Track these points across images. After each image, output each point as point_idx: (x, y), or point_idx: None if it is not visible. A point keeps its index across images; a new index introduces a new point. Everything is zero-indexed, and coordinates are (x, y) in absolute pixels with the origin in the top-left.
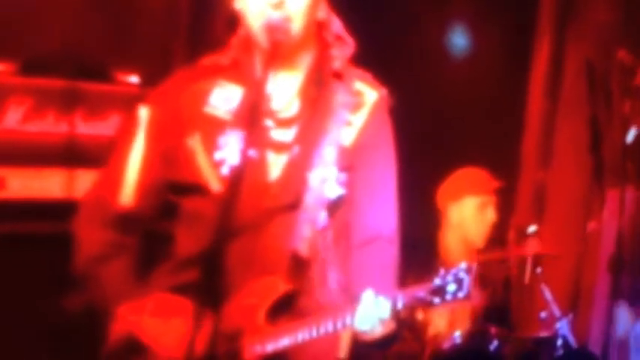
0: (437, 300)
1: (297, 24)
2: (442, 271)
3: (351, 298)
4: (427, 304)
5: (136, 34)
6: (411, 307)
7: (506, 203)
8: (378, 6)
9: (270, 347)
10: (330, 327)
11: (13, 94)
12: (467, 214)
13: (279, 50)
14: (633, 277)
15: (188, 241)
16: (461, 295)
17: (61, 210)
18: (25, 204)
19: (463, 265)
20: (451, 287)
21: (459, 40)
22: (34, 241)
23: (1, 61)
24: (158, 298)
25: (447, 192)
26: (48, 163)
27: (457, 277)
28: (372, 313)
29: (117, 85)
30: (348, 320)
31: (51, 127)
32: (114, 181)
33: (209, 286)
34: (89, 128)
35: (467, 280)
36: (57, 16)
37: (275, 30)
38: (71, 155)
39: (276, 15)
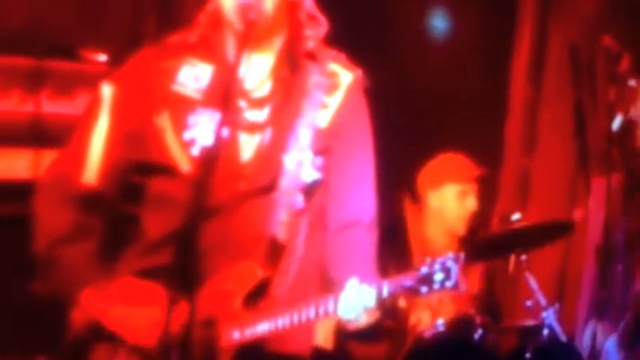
0: (424, 288)
1: (269, 2)
2: (429, 260)
3: (328, 284)
4: (414, 293)
5: (104, 11)
6: (397, 296)
7: (489, 191)
8: None
9: (249, 333)
10: (312, 313)
11: None
12: (447, 202)
13: (252, 30)
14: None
15: (156, 223)
16: (449, 284)
17: (27, 191)
18: None
19: (450, 254)
20: (438, 276)
21: (439, 24)
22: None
23: None
24: (124, 282)
25: (427, 178)
26: (14, 143)
27: (445, 265)
28: (357, 302)
29: (84, 64)
30: (330, 307)
31: (16, 106)
32: (76, 159)
33: (182, 269)
34: (56, 107)
35: (454, 269)
36: None
37: (248, 9)
38: (37, 135)
39: None
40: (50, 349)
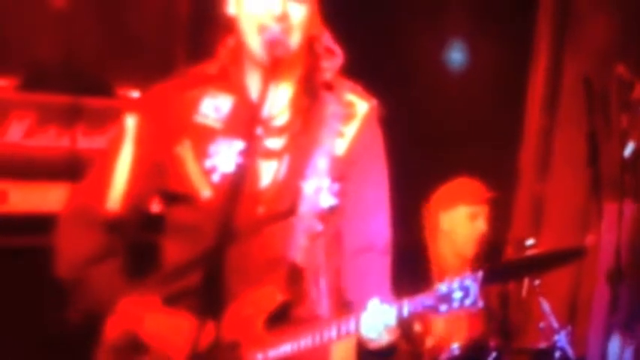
0: (444, 307)
1: (295, 38)
2: (447, 279)
3: (345, 306)
4: (434, 311)
5: (137, 49)
6: (417, 315)
7: (500, 214)
8: (374, 20)
9: (272, 355)
10: (333, 333)
11: (15, 109)
12: (458, 224)
13: (279, 65)
14: (629, 300)
15: (176, 251)
16: (468, 302)
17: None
18: (26, 218)
19: (469, 273)
20: (457, 294)
21: (455, 54)
22: (35, 255)
23: (4, 76)
24: (155, 301)
25: (439, 200)
26: (50, 177)
27: (463, 284)
28: (378, 321)
29: (118, 100)
30: (352, 326)
31: (53, 141)
32: (100, 187)
33: (208, 293)
34: (90, 143)
35: (473, 288)
36: (58, 31)
37: (276, 45)
38: (73, 169)
39: (277, 28)
40: None
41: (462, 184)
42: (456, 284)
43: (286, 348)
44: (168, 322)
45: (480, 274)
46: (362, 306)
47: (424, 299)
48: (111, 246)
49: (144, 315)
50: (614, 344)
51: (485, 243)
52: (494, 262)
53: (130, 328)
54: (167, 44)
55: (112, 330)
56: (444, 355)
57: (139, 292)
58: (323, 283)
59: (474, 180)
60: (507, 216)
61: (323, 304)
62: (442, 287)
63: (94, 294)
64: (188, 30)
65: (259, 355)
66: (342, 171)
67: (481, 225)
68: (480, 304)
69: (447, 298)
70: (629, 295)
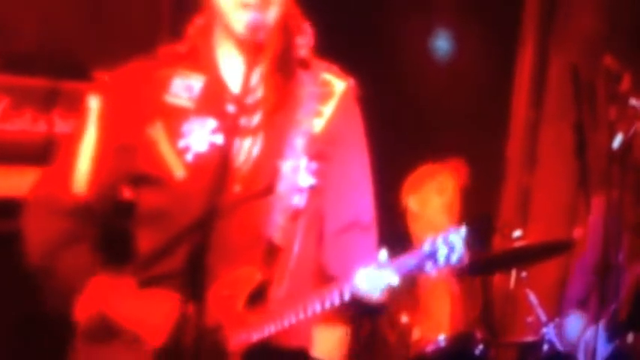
0: (429, 266)
1: (272, 13)
2: (430, 237)
3: (327, 283)
4: (419, 271)
5: (116, 32)
6: (408, 276)
7: (491, 208)
8: (360, 9)
9: (256, 334)
10: (318, 306)
11: None
12: (427, 200)
13: (261, 50)
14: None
15: (149, 236)
16: (454, 258)
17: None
18: (2, 203)
19: (451, 228)
20: (443, 251)
21: (442, 44)
22: (11, 240)
23: None
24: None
25: (408, 185)
26: (26, 161)
27: (447, 240)
28: (379, 281)
29: (96, 84)
30: (352, 289)
31: (29, 125)
32: (64, 172)
33: (190, 275)
34: (68, 127)
35: (459, 243)
36: (35, 14)
37: (258, 29)
38: (49, 154)
39: (255, 15)
40: None
41: (428, 167)
42: (439, 240)
43: (270, 327)
44: (142, 304)
45: (463, 228)
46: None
47: (408, 259)
48: (79, 232)
49: (115, 296)
50: (574, 322)
51: (457, 212)
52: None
53: (100, 309)
54: (147, 27)
55: (82, 311)
56: (431, 347)
57: (111, 274)
58: (305, 264)
59: (440, 164)
60: (494, 207)
61: (304, 285)
62: (426, 245)
63: (65, 280)
64: (169, 12)
65: (243, 335)
66: (321, 150)
67: (450, 195)
68: (466, 259)
69: (431, 256)
70: (586, 275)
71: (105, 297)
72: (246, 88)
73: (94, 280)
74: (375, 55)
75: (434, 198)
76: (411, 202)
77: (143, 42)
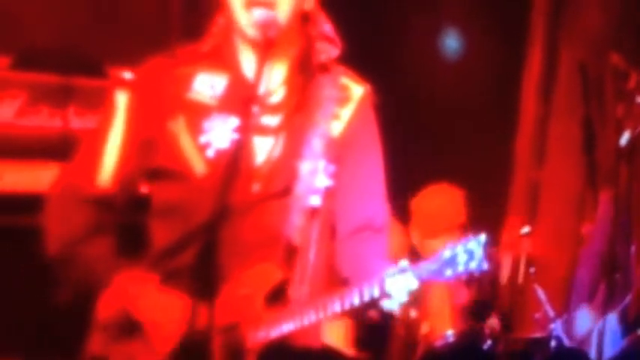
0: (449, 272)
1: (283, 10)
2: (450, 244)
3: (339, 285)
4: (438, 277)
5: (130, 28)
6: (426, 281)
7: (497, 205)
8: (368, 8)
9: (274, 333)
10: (355, 300)
11: (6, 88)
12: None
13: (272, 46)
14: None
15: (166, 232)
16: (473, 265)
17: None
18: (18, 197)
19: (472, 236)
20: (462, 258)
21: (451, 41)
22: (27, 235)
23: None
24: (150, 278)
25: (417, 220)
26: (42, 157)
27: (467, 247)
28: (402, 286)
29: (111, 80)
30: (376, 293)
31: (45, 121)
32: (90, 165)
33: (202, 273)
34: (83, 123)
35: (478, 251)
36: (51, 11)
37: (267, 27)
38: (65, 150)
39: (264, 12)
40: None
41: (442, 203)
42: (459, 248)
43: (289, 326)
44: (161, 303)
45: (483, 236)
46: (360, 282)
47: (428, 265)
48: (101, 224)
49: (138, 293)
50: (583, 317)
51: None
52: None
53: (123, 306)
54: (160, 24)
55: (106, 307)
56: (439, 342)
57: (134, 269)
58: (320, 265)
59: (455, 194)
60: (503, 204)
61: (320, 285)
62: (446, 252)
63: (85, 273)
64: (182, 9)
65: (261, 334)
66: (338, 153)
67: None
68: (486, 266)
69: (451, 262)
70: (595, 270)
71: (128, 293)
72: (257, 84)
73: (120, 275)
74: (383, 53)
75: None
76: (414, 236)
77: (156, 39)
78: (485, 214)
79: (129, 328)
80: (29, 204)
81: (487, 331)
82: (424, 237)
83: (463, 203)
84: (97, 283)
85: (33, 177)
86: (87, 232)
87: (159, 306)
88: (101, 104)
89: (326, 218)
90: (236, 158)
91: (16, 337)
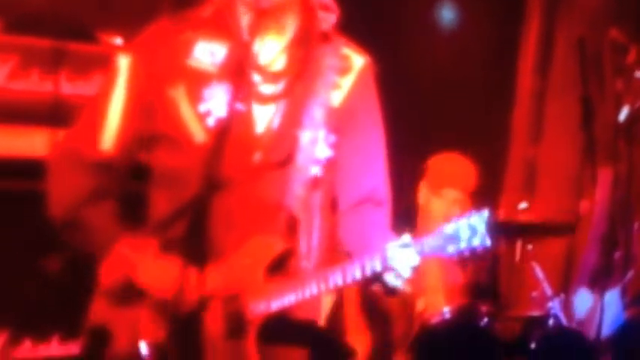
0: (451, 248)
1: None
2: (453, 218)
3: (341, 257)
4: (440, 253)
5: None
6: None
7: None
8: None
9: (275, 305)
10: (357, 273)
11: None
12: (435, 201)
13: (267, 16)
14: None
15: (164, 199)
16: (476, 241)
17: (44, 168)
18: (8, 162)
19: (474, 212)
20: (464, 234)
21: (448, 15)
22: (17, 199)
23: None
24: (149, 243)
25: (429, 177)
26: (32, 121)
27: (470, 223)
28: (405, 261)
29: (102, 46)
30: (377, 267)
31: (36, 85)
32: (93, 128)
33: (198, 242)
34: (74, 88)
35: (481, 227)
36: None
37: None
38: (55, 114)
39: None
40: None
41: (459, 165)
42: (462, 223)
43: (290, 298)
44: (160, 269)
45: (486, 211)
46: (362, 255)
47: (430, 240)
48: (105, 188)
49: (138, 260)
50: (582, 298)
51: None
52: None
53: (125, 273)
54: None
55: (108, 274)
56: (435, 319)
57: (135, 235)
58: (315, 235)
59: (465, 162)
60: (499, 179)
61: (312, 257)
62: (448, 227)
63: (89, 235)
64: None
65: (262, 305)
66: (338, 123)
67: (456, 212)
68: (489, 243)
69: (454, 238)
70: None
71: (129, 260)
72: (251, 51)
73: (120, 242)
74: (382, 25)
75: (442, 203)
76: (421, 194)
77: (148, 6)
78: (481, 191)
79: (130, 294)
80: (18, 168)
81: (483, 308)
82: (433, 193)
83: (475, 174)
84: (99, 248)
85: (23, 142)
86: (89, 197)
87: (158, 272)
88: (93, 70)
89: (328, 190)
90: (228, 124)
91: (5, 306)
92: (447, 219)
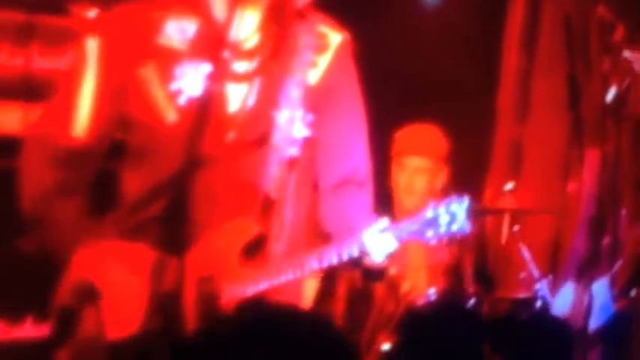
0: (430, 233)
1: None
2: (432, 203)
3: (321, 239)
4: (419, 237)
5: None
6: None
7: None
8: None
9: (250, 290)
10: (334, 259)
11: None
12: (399, 170)
13: None
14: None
15: (136, 180)
16: (455, 227)
17: (17, 145)
18: None
19: (454, 197)
20: (444, 219)
21: None
22: None
23: None
24: (115, 245)
25: (395, 144)
26: (3, 97)
27: (449, 209)
28: (382, 247)
29: (74, 19)
30: (355, 252)
31: (6, 60)
32: (64, 114)
33: (172, 223)
34: (46, 62)
35: (461, 213)
36: None
37: None
38: (27, 89)
39: None
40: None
41: (421, 132)
42: (442, 209)
43: (265, 284)
44: (124, 267)
45: (467, 198)
46: (343, 237)
47: (409, 225)
48: (73, 182)
49: (99, 265)
50: (568, 291)
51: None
52: None
53: (84, 278)
54: None
55: (66, 284)
56: (421, 300)
57: (95, 236)
58: (299, 217)
59: (430, 128)
60: (485, 159)
61: (285, 239)
62: (428, 212)
63: (52, 232)
64: None
65: (237, 290)
66: (316, 102)
67: (420, 181)
68: (468, 228)
69: (433, 223)
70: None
71: (89, 267)
72: (228, 29)
73: (79, 253)
74: (360, 4)
75: (404, 172)
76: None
77: None
78: (467, 171)
79: (90, 296)
80: None
81: (470, 289)
82: (396, 165)
83: (443, 139)
84: (63, 248)
85: None
86: (57, 191)
87: (120, 271)
88: (65, 44)
89: (306, 170)
90: (205, 104)
91: None
92: (409, 189)
